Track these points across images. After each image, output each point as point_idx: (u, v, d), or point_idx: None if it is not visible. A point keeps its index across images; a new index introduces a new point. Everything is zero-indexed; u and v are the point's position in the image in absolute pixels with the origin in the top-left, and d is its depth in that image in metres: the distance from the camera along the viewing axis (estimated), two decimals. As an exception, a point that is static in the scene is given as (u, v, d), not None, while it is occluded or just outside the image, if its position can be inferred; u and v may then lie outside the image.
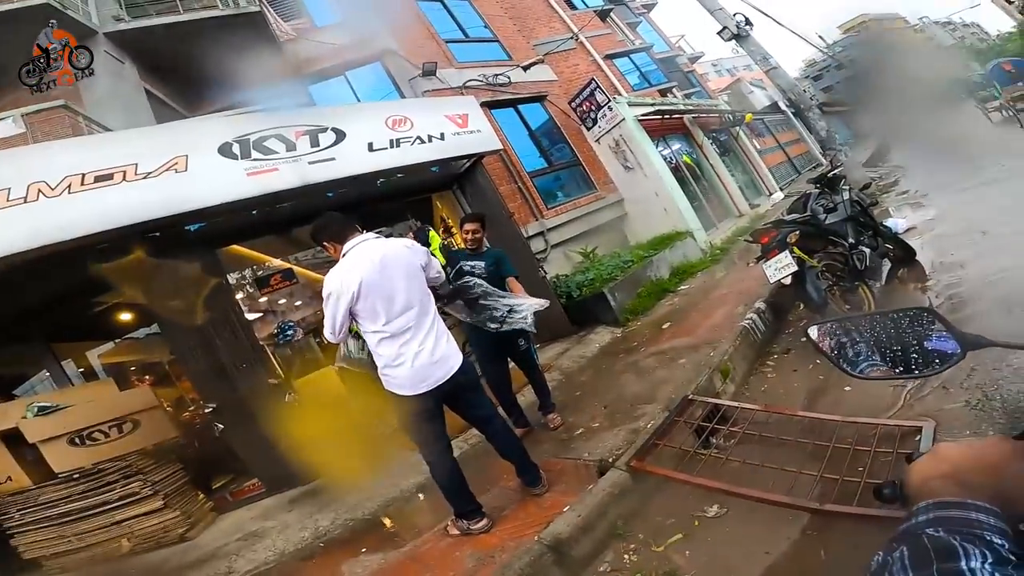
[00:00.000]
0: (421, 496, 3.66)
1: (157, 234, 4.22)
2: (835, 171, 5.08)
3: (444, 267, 3.74)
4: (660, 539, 2.52)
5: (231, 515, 4.64)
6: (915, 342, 0.83)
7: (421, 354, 2.61)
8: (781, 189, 13.33)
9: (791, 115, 19.17)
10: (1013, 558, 0.45)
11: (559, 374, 5.12)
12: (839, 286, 3.82)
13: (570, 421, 3.89)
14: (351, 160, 5.18)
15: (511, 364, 4.02)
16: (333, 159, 5.05)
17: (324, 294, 2.63)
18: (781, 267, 3.62)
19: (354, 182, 5.23)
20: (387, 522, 3.56)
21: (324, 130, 5.14)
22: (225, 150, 4.56)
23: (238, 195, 4.41)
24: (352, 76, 9.00)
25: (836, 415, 2.83)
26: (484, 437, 3.10)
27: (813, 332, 0.95)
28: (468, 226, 4.00)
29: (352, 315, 2.64)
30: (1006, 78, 14.80)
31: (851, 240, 3.98)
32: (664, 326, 5.36)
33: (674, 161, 10.97)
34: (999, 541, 0.47)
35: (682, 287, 6.79)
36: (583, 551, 2.56)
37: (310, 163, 4.89)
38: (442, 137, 6.13)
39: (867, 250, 3.92)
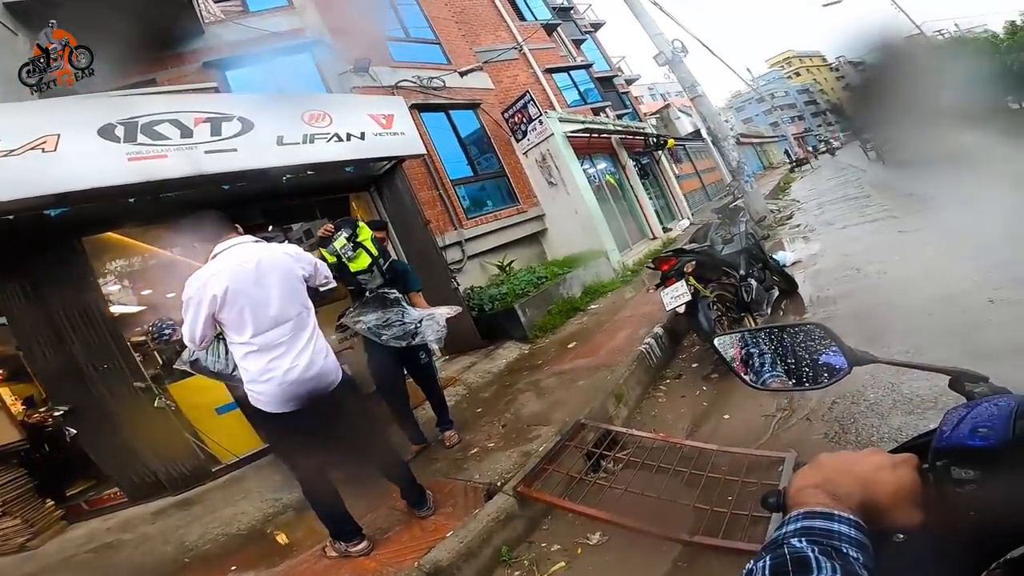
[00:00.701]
0: (301, 511, 3.47)
1: (11, 217, 3.72)
2: (736, 202, 5.39)
3: (377, 259, 3.62)
4: (544, 567, 2.52)
5: (84, 525, 4.25)
6: (808, 356, 0.87)
7: (293, 370, 2.42)
8: (691, 216, 14.04)
9: (710, 143, 20.41)
10: (864, 573, 0.46)
11: (463, 388, 5.06)
12: (727, 316, 4.03)
13: (467, 439, 3.83)
14: (256, 153, 4.84)
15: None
16: (235, 150, 4.71)
17: (183, 298, 2.37)
18: (677, 295, 3.76)
19: (257, 176, 4.89)
20: (262, 539, 3.36)
21: (230, 119, 4.80)
22: (107, 132, 4.12)
23: (113, 181, 3.98)
24: (277, 64, 8.51)
25: (713, 444, 2.95)
26: None
27: (719, 343, 0.98)
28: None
29: (217, 323, 2.41)
30: (876, 126, 18.97)
31: (742, 272, 4.22)
32: (570, 345, 5.44)
33: (597, 180, 11.27)
34: (854, 555, 0.48)
35: (592, 306, 6.93)
36: (464, 578, 2.49)
37: (207, 152, 4.53)
38: (362, 137, 5.94)
39: (754, 282, 4.17)
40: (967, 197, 7.31)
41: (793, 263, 6.07)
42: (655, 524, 2.44)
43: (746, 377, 0.95)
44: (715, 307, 3.94)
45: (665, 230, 12.42)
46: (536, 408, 3.98)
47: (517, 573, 2.53)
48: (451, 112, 9.57)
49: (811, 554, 0.47)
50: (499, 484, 3.03)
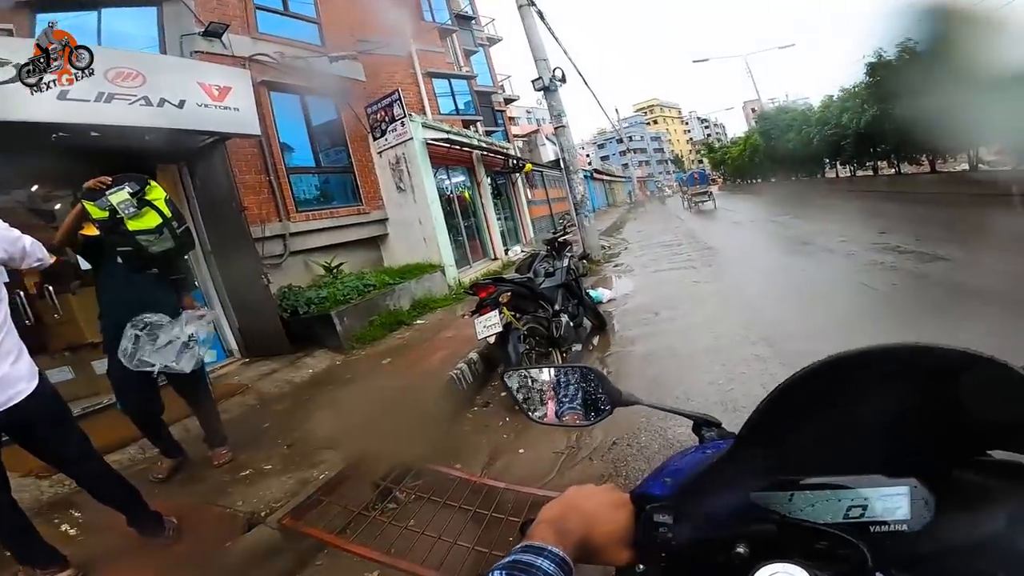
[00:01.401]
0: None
1: None
2: (565, 236, 5.63)
3: (170, 221, 3.09)
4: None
5: None
6: (581, 396, 0.92)
7: None
8: (523, 244, 14.50)
9: (564, 174, 21.61)
10: None
11: (255, 398, 4.58)
12: (536, 350, 4.14)
13: (241, 459, 3.41)
14: (21, 104, 4.03)
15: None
16: (-9, 99, 3.85)
17: None
18: (489, 325, 3.77)
19: (17, 130, 4.05)
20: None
21: (3, 64, 3.99)
22: None
23: None
24: (109, 14, 6.99)
25: (503, 480, 2.95)
26: None
27: (507, 379, 1.02)
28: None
29: None
30: (693, 181, 25.48)
31: (557, 307, 4.39)
32: (384, 361, 5.24)
33: (450, 193, 11.23)
34: None
35: (418, 321, 6.78)
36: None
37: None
38: (180, 105, 5.24)
39: (565, 318, 4.36)
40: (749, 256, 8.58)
41: (608, 300, 6.55)
42: (432, 566, 2.34)
43: (529, 412, 0.98)
44: (527, 340, 4.02)
45: (507, 252, 12.79)
46: (331, 429, 3.70)
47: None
48: (307, 97, 8.81)
49: None
50: (264, 514, 2.73)
